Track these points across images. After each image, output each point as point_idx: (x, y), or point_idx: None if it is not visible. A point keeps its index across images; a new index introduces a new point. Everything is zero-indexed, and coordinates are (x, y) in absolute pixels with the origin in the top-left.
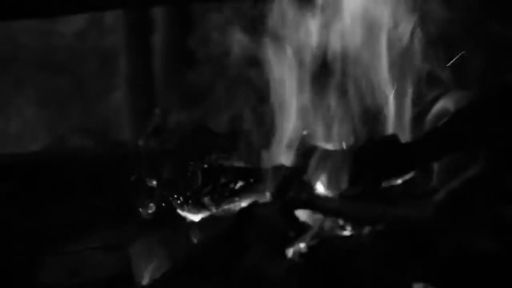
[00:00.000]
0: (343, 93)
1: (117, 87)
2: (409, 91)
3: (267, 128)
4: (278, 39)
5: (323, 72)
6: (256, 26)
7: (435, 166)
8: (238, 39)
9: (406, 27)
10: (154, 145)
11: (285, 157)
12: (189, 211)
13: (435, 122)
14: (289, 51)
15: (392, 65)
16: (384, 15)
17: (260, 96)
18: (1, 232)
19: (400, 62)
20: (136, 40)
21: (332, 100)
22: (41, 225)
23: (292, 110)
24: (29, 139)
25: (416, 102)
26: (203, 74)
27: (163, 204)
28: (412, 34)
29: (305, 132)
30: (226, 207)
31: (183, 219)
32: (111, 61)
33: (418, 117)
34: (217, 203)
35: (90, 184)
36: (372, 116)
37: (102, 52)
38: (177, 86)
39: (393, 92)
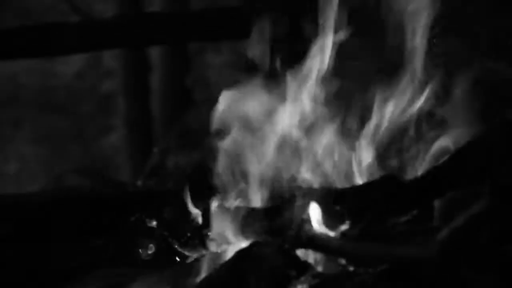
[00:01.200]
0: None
1: (115, 127)
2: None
3: (267, 166)
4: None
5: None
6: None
7: (437, 204)
8: (235, 79)
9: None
10: (152, 185)
11: (284, 196)
12: (190, 251)
13: (435, 160)
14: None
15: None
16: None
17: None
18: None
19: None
20: (134, 80)
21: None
22: (39, 266)
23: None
24: (28, 178)
25: (416, 140)
26: (201, 114)
27: (163, 245)
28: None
29: (304, 173)
30: (227, 247)
31: (183, 259)
32: (110, 101)
33: (417, 156)
34: (218, 243)
35: (89, 224)
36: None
37: (101, 93)
38: (176, 126)
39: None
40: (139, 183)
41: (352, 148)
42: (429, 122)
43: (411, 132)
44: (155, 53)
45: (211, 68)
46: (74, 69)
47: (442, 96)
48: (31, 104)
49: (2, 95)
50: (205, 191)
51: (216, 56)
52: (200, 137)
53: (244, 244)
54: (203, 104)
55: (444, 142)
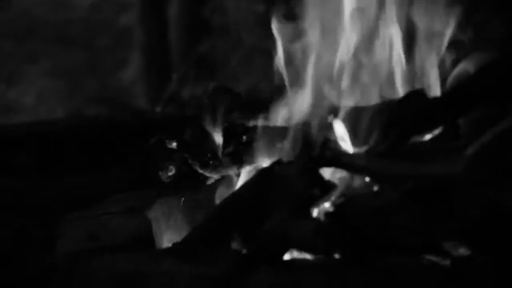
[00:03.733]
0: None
1: (133, 60)
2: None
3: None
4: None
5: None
6: None
7: (462, 121)
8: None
9: None
10: (171, 111)
11: (308, 115)
12: (210, 172)
13: (456, 83)
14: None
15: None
16: None
17: (277, 67)
18: (19, 203)
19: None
20: (151, 11)
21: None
22: (59, 194)
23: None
24: (45, 112)
25: (438, 65)
26: (218, 45)
27: (183, 167)
28: None
29: (329, 91)
30: (248, 167)
31: (204, 181)
32: (127, 34)
33: (438, 78)
34: (239, 163)
35: (108, 151)
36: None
37: (118, 25)
38: (193, 56)
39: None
40: (158, 110)
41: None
42: (450, 45)
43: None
44: None
45: None
46: (90, 1)
47: (464, 20)
48: (47, 38)
49: (18, 28)
50: (225, 111)
51: None
52: (216, 65)
53: (266, 163)
54: (220, 33)
55: (465, 65)
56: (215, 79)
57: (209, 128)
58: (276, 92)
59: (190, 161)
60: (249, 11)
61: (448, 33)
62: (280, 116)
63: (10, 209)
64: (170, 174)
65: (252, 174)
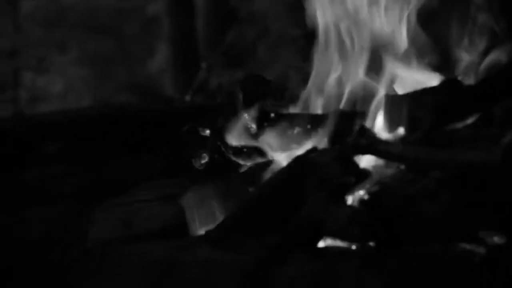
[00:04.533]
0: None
1: (160, 48)
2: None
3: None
4: None
5: None
6: None
7: (498, 110)
8: None
9: None
10: (201, 99)
11: (342, 103)
12: (244, 159)
13: (488, 72)
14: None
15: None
16: None
17: (305, 56)
18: (52, 190)
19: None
20: (178, 1)
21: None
22: (92, 181)
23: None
24: (73, 100)
25: (468, 51)
26: (245, 33)
27: (216, 154)
28: None
29: (364, 78)
30: (282, 154)
31: (236, 168)
32: (154, 23)
33: (470, 67)
34: (273, 150)
35: (140, 139)
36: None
37: (145, 14)
38: (221, 45)
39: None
40: (187, 98)
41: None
42: (482, 33)
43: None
44: None
45: None
46: None
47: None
48: (76, 26)
49: (47, 17)
50: (258, 98)
51: None
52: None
53: (300, 151)
54: (247, 23)
55: (498, 55)
56: (243, 68)
57: (243, 115)
58: (306, 79)
59: (223, 149)
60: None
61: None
62: (315, 103)
63: (43, 196)
64: (203, 161)
65: (285, 161)
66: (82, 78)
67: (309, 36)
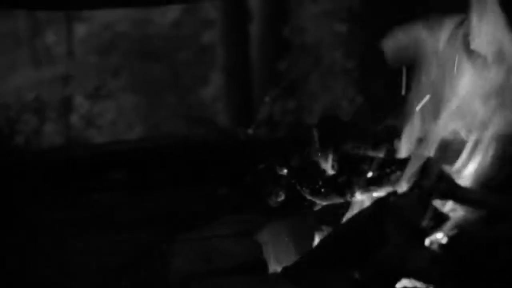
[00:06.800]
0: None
1: (212, 76)
2: None
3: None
4: None
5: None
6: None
7: None
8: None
9: None
10: (263, 133)
11: (421, 148)
12: (321, 199)
13: None
14: None
15: None
16: None
17: (359, 86)
18: (122, 219)
19: None
20: (233, 30)
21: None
22: (163, 212)
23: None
24: (124, 127)
25: None
26: (298, 63)
27: (290, 193)
28: None
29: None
30: (360, 196)
31: (311, 207)
32: (207, 51)
33: None
34: (352, 192)
35: (210, 171)
36: None
37: (198, 42)
38: (275, 75)
39: None
40: (250, 131)
41: None
42: None
43: None
44: (254, 2)
45: (308, 17)
46: (171, 17)
47: None
48: (129, 53)
49: (100, 44)
50: (334, 139)
51: (314, 5)
52: (298, 85)
53: (380, 194)
54: (300, 52)
55: None
56: (294, 97)
57: (317, 156)
58: (359, 111)
59: (298, 187)
60: (330, 31)
61: None
62: (400, 146)
63: (110, 223)
64: (279, 199)
65: (362, 204)
66: (134, 105)
67: (364, 67)
